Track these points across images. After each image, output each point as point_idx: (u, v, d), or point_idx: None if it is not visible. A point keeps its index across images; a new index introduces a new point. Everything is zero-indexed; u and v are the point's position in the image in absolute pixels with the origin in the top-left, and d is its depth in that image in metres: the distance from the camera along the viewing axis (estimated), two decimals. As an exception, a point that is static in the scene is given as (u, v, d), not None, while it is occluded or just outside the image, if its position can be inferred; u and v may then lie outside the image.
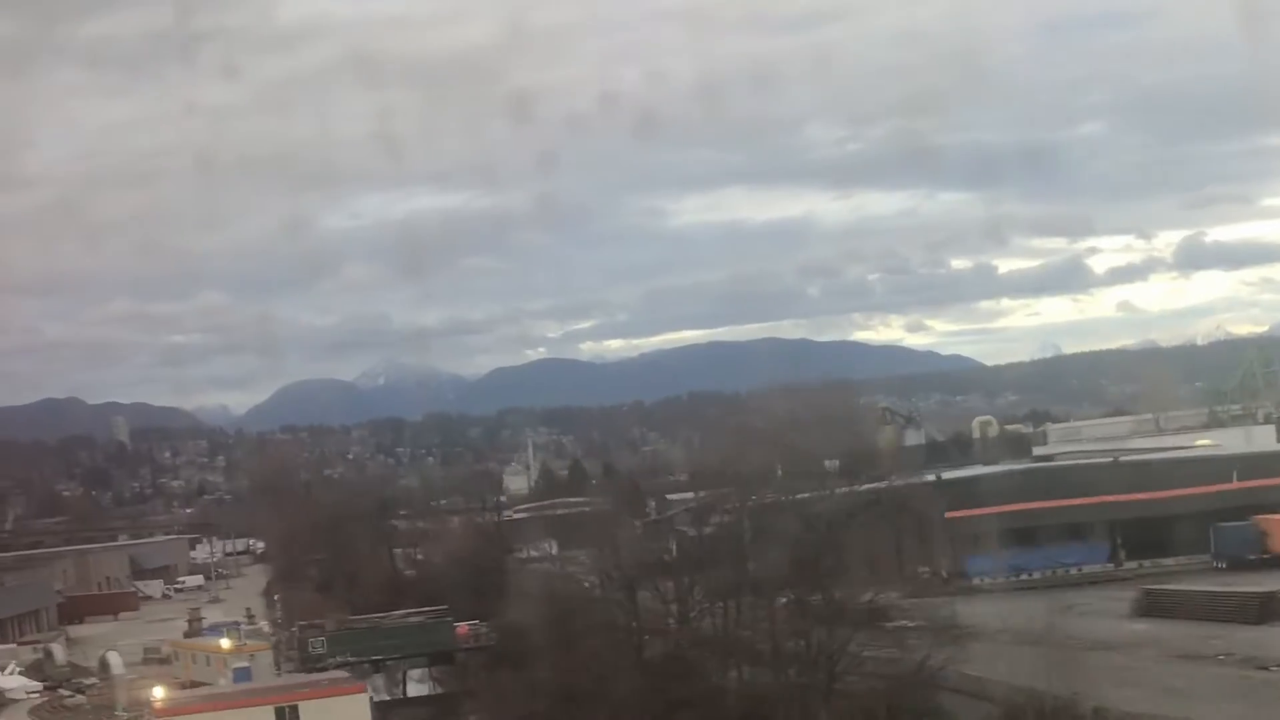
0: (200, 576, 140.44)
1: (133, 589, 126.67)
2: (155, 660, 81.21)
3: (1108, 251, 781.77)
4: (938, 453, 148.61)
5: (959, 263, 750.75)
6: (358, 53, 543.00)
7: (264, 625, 78.56)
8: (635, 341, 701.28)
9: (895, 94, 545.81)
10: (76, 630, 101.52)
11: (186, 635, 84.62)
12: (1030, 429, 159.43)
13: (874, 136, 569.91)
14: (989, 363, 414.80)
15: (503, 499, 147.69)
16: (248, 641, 63.44)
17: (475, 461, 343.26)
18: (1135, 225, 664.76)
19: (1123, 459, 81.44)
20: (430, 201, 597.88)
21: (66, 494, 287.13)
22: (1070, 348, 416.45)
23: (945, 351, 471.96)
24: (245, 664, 59.96)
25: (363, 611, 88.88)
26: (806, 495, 53.76)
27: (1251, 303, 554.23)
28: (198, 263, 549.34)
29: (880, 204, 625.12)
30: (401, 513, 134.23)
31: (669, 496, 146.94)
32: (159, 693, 46.37)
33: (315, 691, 43.62)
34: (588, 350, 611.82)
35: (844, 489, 57.75)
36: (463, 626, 73.69)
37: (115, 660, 60.71)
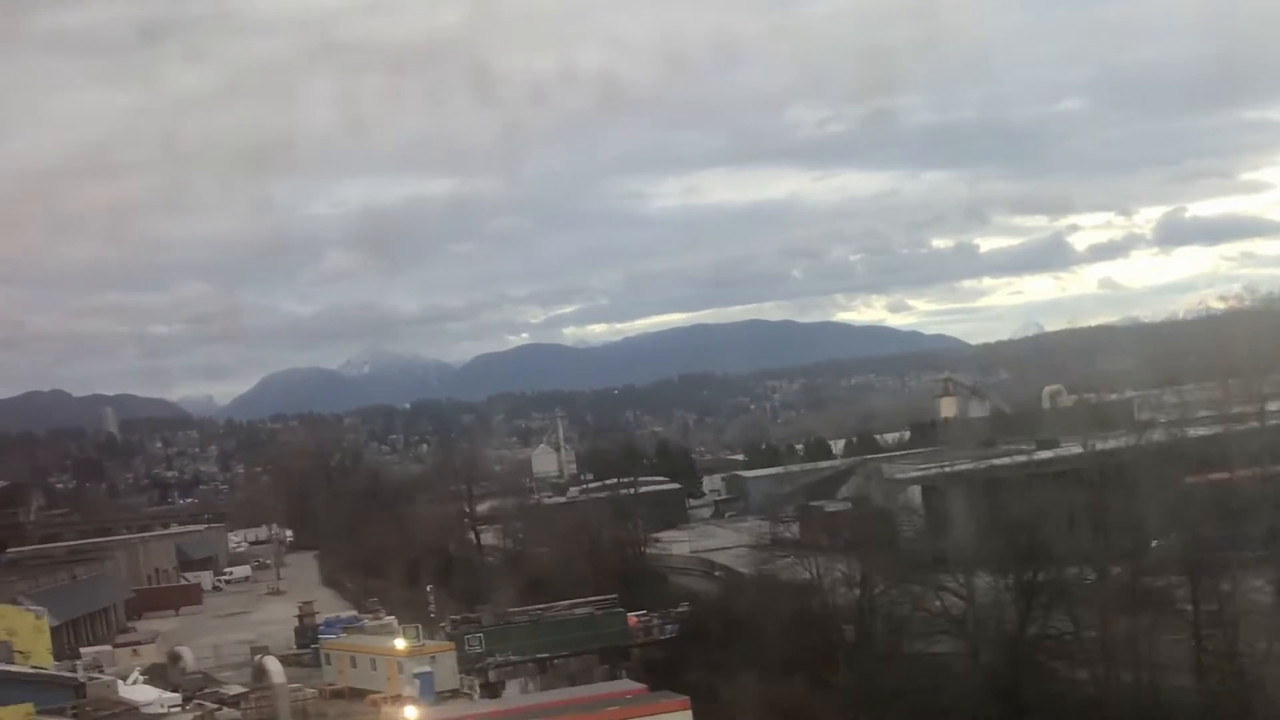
0: (247, 567, 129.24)
1: (182, 581, 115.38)
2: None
3: (1088, 229, 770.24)
4: (1004, 425, 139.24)
5: (940, 242, 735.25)
6: (335, 40, 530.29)
7: (390, 619, 67.47)
8: (618, 326, 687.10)
9: (876, 74, 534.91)
10: (144, 627, 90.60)
11: (299, 631, 73.83)
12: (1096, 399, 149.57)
13: (855, 117, 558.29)
14: (972, 342, 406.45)
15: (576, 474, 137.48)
16: (426, 642, 52.42)
17: (471, 447, 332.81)
18: (1116, 202, 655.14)
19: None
20: (411, 189, 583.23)
21: (61, 487, 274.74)
22: (1052, 326, 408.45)
23: (928, 331, 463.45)
24: (427, 668, 49.11)
25: (466, 601, 78.53)
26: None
27: (1232, 277, 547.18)
28: (178, 253, 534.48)
29: (862, 184, 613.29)
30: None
31: (743, 473, 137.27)
32: (411, 713, 35.69)
33: (628, 710, 33.07)
34: (570, 335, 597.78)
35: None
36: (631, 617, 63.59)
37: (275, 667, 49.73)
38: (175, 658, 58.53)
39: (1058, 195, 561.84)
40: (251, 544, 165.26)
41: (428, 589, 66.73)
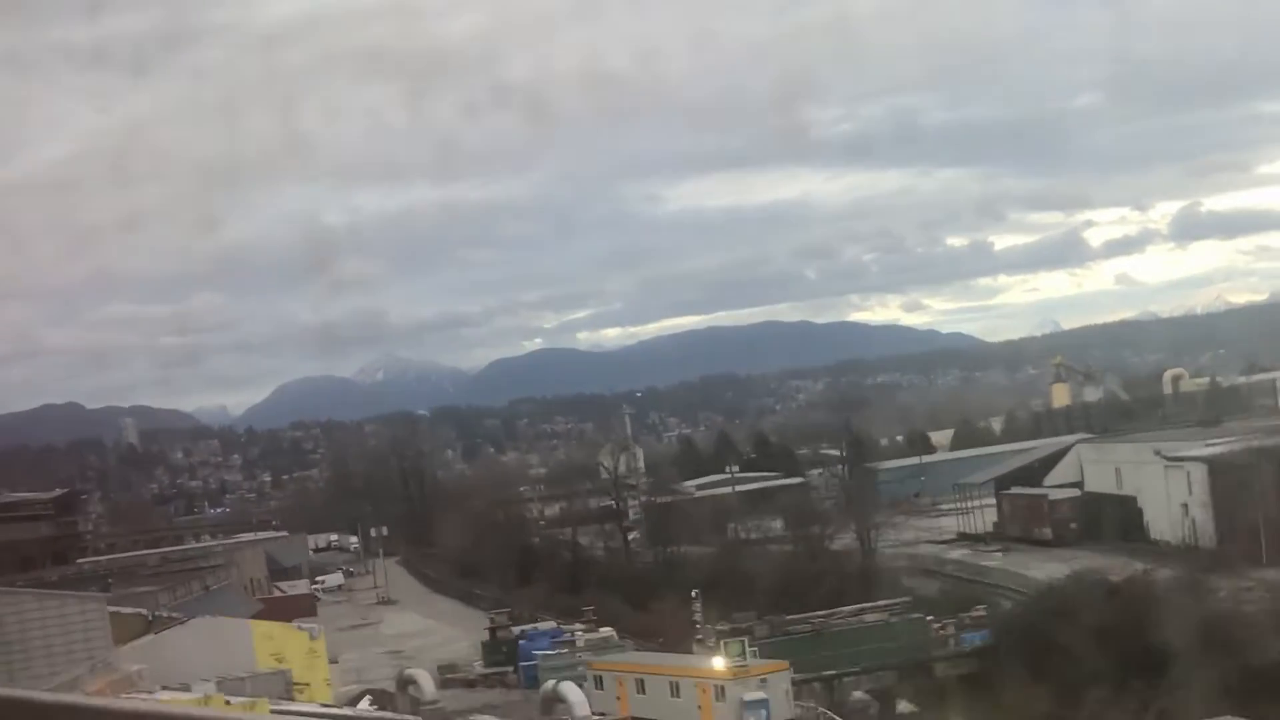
0: (339, 574, 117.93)
1: (276, 591, 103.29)
2: (460, 682, 58.89)
3: (1104, 224, 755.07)
4: (1120, 411, 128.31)
5: (955, 240, 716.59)
6: (344, 47, 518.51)
7: (608, 631, 55.81)
8: (632, 329, 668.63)
9: (890, 72, 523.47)
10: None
11: (489, 646, 62.23)
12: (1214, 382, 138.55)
13: (869, 115, 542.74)
14: (988, 339, 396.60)
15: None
16: (750, 662, 40.59)
17: (497, 452, 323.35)
18: (1131, 197, 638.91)
19: None
20: (423, 194, 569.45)
21: (84, 498, 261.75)
22: (1069, 322, 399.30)
23: (945, 330, 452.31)
24: (761, 694, 37.57)
25: (628, 612, 67.33)
26: None
27: (1249, 271, 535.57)
28: (188, 264, 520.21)
29: (876, 184, 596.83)
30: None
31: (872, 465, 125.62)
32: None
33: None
34: (584, 340, 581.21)
35: None
36: (924, 624, 52.03)
37: (576, 696, 38.06)
38: (406, 682, 46.41)
39: (1073, 191, 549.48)
40: (316, 551, 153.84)
41: (692, 594, 54.69)
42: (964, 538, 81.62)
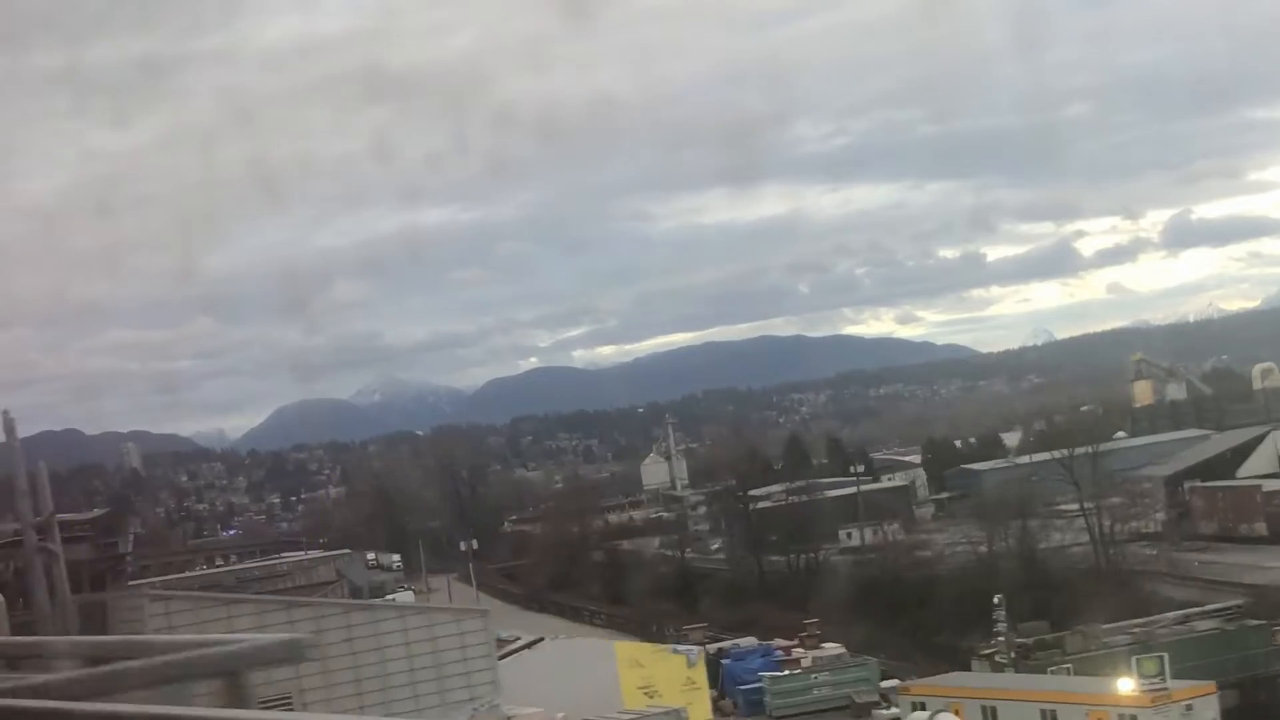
0: (410, 593, 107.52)
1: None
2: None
3: (1095, 234, 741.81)
4: (1206, 407, 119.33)
5: (947, 252, 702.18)
6: (335, 70, 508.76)
7: (837, 647, 45.78)
8: (627, 346, 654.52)
9: (880, 86, 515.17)
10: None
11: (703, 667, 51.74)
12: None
13: (860, 129, 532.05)
14: (983, 350, 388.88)
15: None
16: (1161, 686, 30.59)
17: (503, 469, 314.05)
18: (1122, 206, 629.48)
19: None
20: (415, 217, 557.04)
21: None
22: (1062, 332, 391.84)
23: (939, 342, 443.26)
24: None
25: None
26: None
27: (1241, 278, 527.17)
28: (183, 289, 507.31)
29: (867, 197, 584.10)
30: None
31: (972, 466, 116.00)
32: None
33: None
34: (580, 357, 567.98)
35: None
36: None
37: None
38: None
39: (1064, 201, 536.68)
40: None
41: (995, 600, 44.52)
42: (1140, 536, 71.96)
